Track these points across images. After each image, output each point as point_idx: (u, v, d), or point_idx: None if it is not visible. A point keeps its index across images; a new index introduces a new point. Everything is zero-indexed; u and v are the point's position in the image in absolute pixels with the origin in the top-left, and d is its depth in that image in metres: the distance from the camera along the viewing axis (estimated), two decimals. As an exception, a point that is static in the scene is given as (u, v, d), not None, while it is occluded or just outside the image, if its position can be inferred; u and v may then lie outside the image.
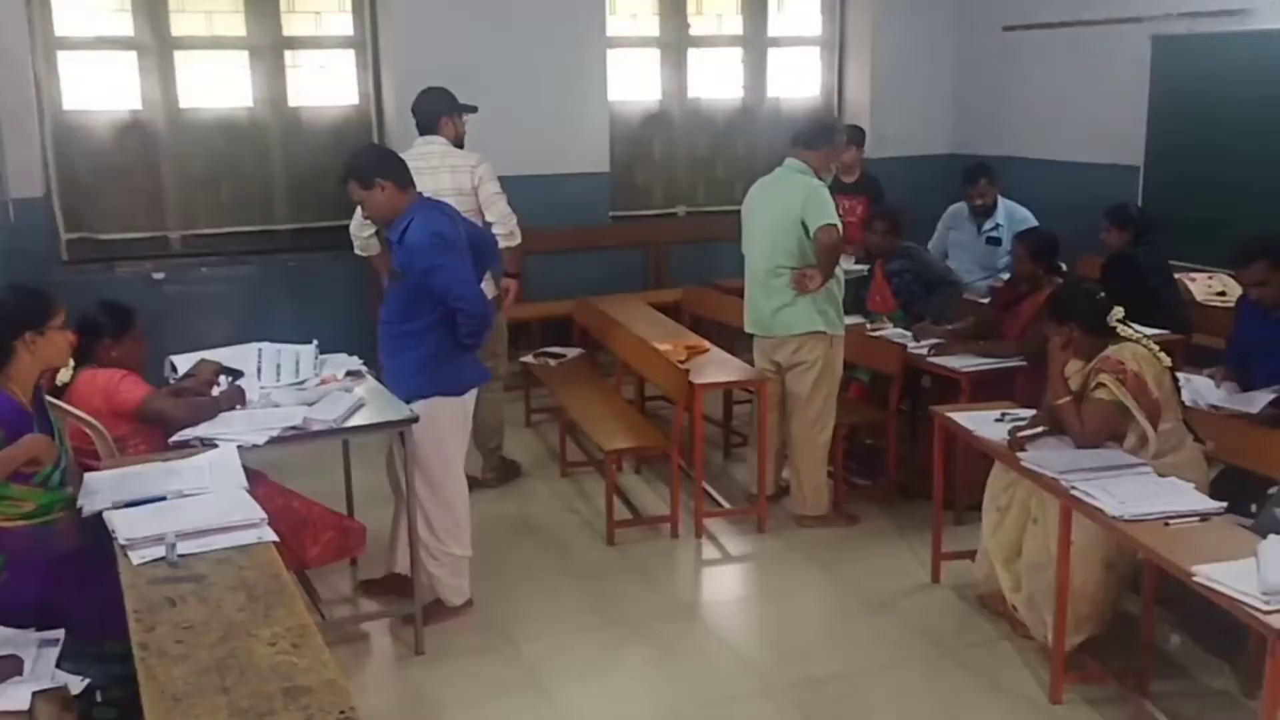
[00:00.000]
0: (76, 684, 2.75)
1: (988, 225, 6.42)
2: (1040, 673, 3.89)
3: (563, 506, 5.50)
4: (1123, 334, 3.92)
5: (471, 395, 4.27)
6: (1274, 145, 6.15)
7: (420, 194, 4.18)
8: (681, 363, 5.22)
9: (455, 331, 4.07)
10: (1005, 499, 4.17)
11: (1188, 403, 4.11)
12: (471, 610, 4.36)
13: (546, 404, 6.53)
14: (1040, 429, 4.01)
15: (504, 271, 5.50)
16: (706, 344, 5.67)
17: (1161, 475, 3.65)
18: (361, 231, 5.29)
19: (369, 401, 4.13)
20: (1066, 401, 3.91)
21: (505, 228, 5.32)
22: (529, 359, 6.39)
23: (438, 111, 5.38)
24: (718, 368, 5.38)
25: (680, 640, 4.24)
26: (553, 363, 6.25)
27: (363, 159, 4.17)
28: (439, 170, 5.28)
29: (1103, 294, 4.04)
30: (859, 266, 5.83)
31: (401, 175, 4.10)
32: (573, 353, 6.41)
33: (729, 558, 5.02)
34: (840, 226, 4.89)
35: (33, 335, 3.18)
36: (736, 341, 5.71)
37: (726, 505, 5.39)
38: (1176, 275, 6.00)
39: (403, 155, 5.22)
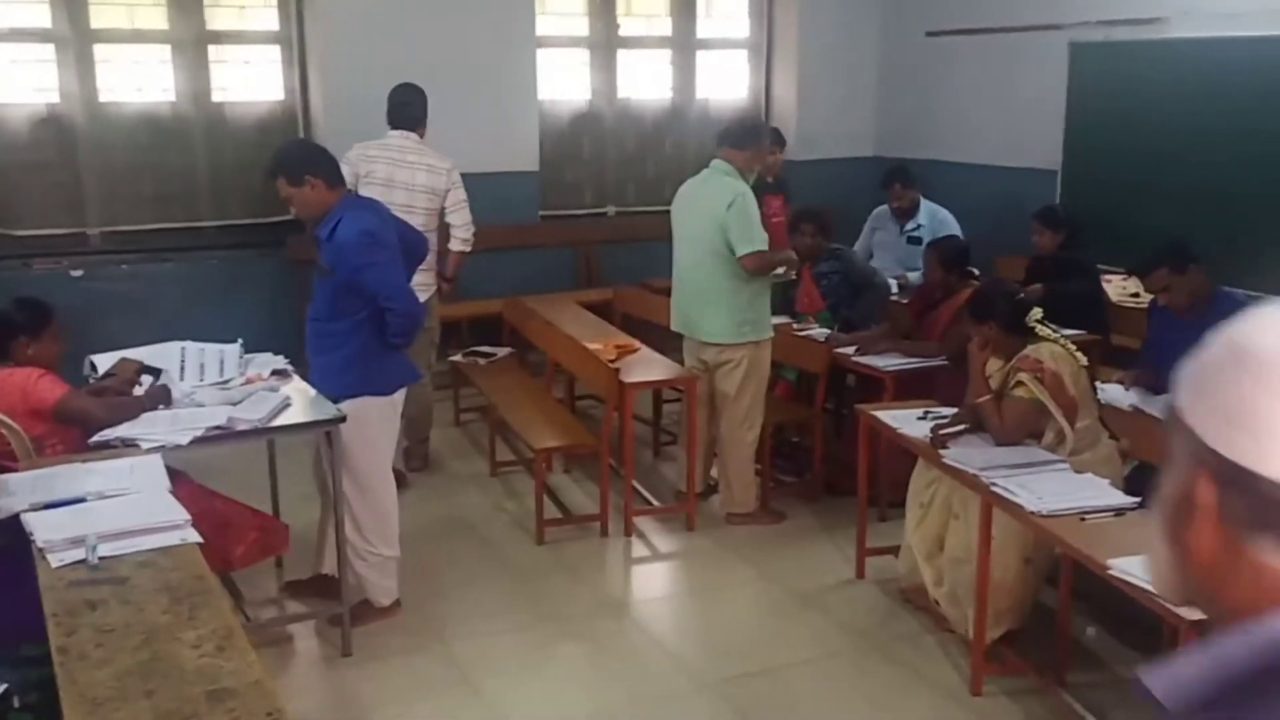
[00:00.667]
0: (-6, 690, 2.69)
1: (909, 226, 6.54)
2: (961, 665, 3.98)
3: (492, 506, 5.48)
4: (1041, 333, 4.02)
5: (400, 394, 4.24)
6: (1186, 150, 6.35)
7: (349, 190, 4.14)
8: (611, 362, 5.24)
9: (384, 330, 4.04)
10: (927, 495, 4.25)
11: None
12: (400, 610, 4.34)
13: (476, 403, 6.51)
14: (961, 427, 4.09)
15: (442, 275, 5.63)
16: (637, 343, 5.70)
17: (1078, 472, 3.75)
18: None
19: (295, 401, 4.09)
20: (986, 400, 4.00)
21: (466, 233, 5.54)
22: (458, 358, 6.36)
23: (420, 109, 5.50)
24: (648, 367, 5.41)
25: (611, 638, 4.26)
26: (482, 362, 6.23)
27: (291, 155, 4.11)
28: (415, 166, 5.40)
29: (1022, 294, 4.14)
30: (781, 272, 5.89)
31: (332, 172, 4.04)
32: (502, 352, 6.39)
33: (658, 555, 5.05)
34: (766, 240, 4.96)
35: None
36: (667, 341, 5.74)
37: (656, 503, 5.42)
38: (1092, 277, 6.15)
39: (374, 145, 5.41)
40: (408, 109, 5.50)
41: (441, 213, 5.53)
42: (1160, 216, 6.38)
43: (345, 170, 5.24)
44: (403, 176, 5.36)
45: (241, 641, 2.44)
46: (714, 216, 4.94)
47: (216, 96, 7.08)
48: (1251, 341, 0.95)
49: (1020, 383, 3.93)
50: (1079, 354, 4.02)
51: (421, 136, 5.54)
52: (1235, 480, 0.94)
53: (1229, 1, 6.13)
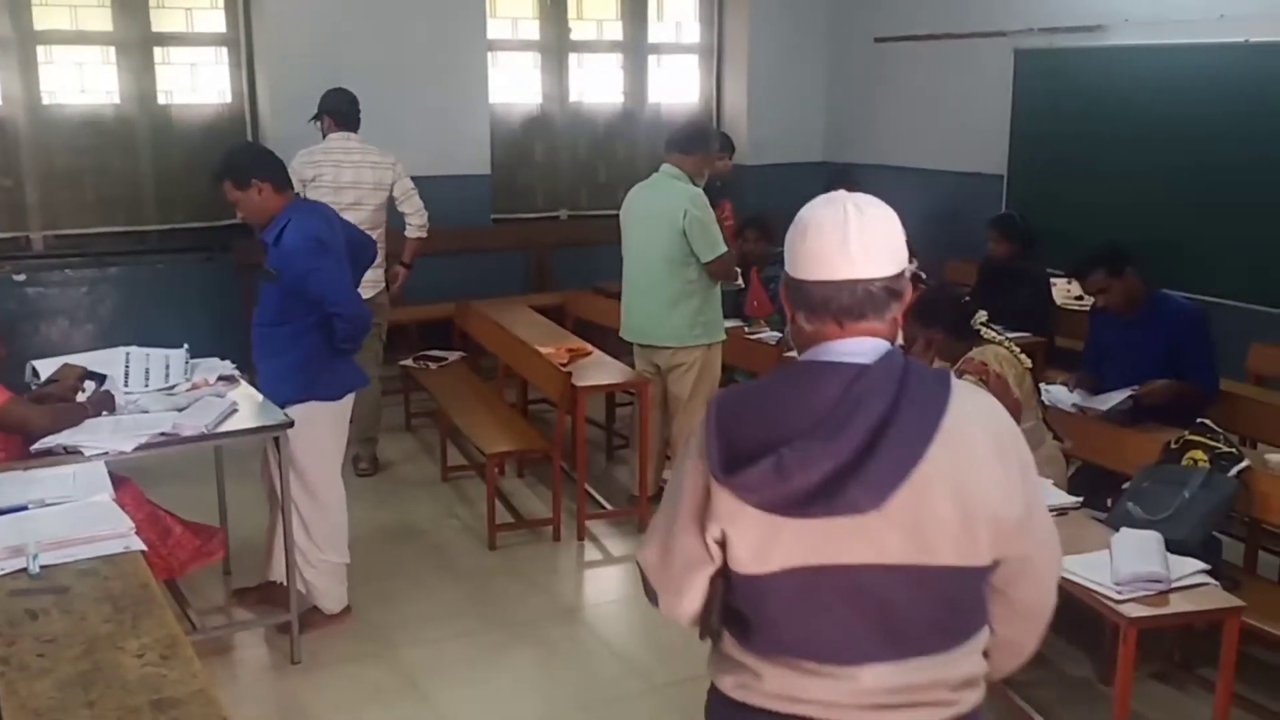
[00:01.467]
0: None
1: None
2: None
3: (444, 511, 5.46)
4: (986, 336, 4.07)
5: (349, 399, 4.22)
6: (1128, 154, 6.47)
7: (296, 195, 4.11)
8: (563, 365, 5.24)
9: (331, 335, 4.01)
10: None
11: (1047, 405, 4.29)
12: (350, 617, 4.31)
13: (427, 407, 6.48)
14: None
15: (400, 260, 5.86)
16: (589, 346, 5.70)
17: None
18: None
19: (242, 406, 4.05)
20: None
21: (420, 219, 5.77)
22: (408, 362, 6.33)
23: (358, 110, 5.71)
24: (600, 370, 5.41)
25: (561, 642, 4.26)
26: (433, 366, 6.21)
27: (238, 158, 4.06)
28: (360, 165, 5.59)
29: (967, 298, 4.19)
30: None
31: (279, 175, 4.01)
32: (453, 356, 6.37)
33: (611, 559, 5.05)
34: (723, 241, 5.00)
35: None
36: (620, 344, 5.74)
37: (608, 507, 5.42)
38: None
39: (317, 150, 5.58)
40: (353, 108, 5.67)
41: (391, 205, 5.72)
42: (1103, 219, 6.49)
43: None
44: (348, 176, 5.53)
45: (185, 650, 2.42)
46: (668, 222, 4.94)
47: (162, 99, 7.01)
48: (801, 211, 1.77)
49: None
50: (1023, 356, 4.08)
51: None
52: (788, 281, 1.77)
53: (1168, 9, 6.25)
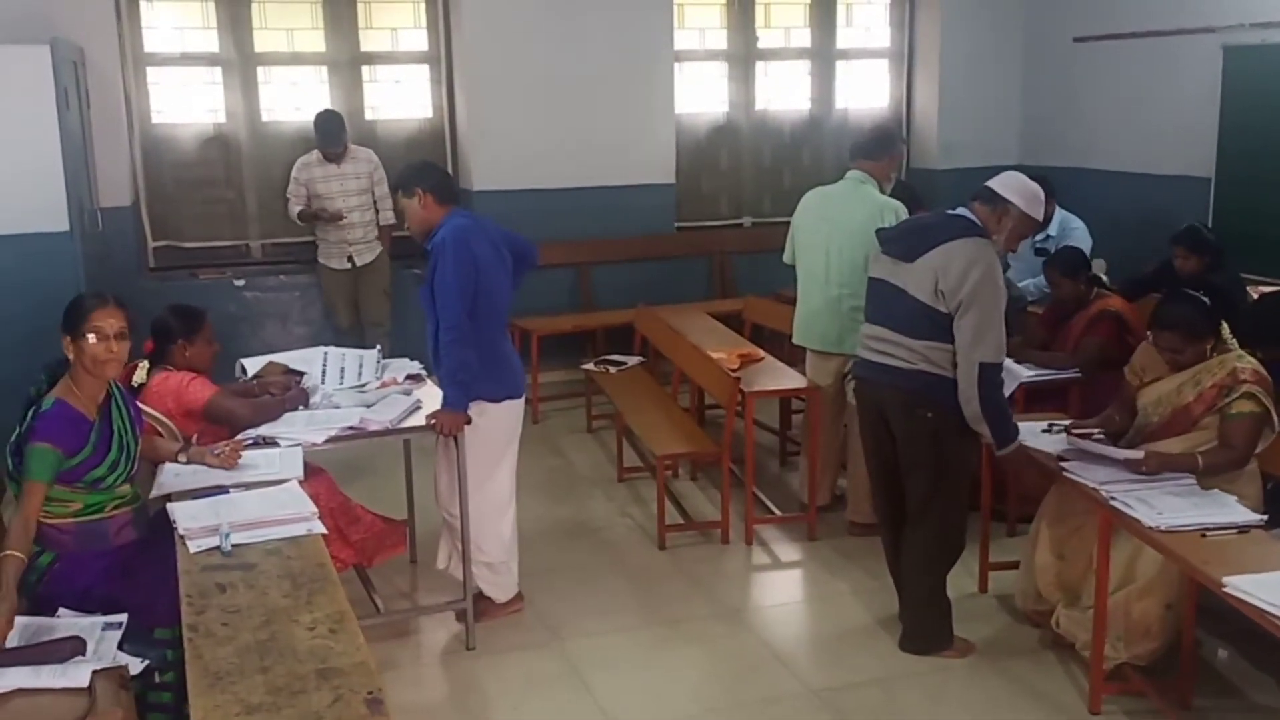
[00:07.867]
0: (136, 665, 2.92)
1: (1038, 237, 6.33)
2: (1081, 682, 3.89)
3: (617, 511, 5.60)
4: (1230, 343, 3.90)
5: (510, 405, 4.27)
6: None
7: (457, 209, 4.27)
8: (734, 371, 5.29)
9: (497, 338, 4.19)
10: (1084, 516, 4.08)
11: None
12: (522, 604, 4.49)
13: (607, 410, 6.65)
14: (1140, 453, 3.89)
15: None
16: (760, 352, 5.74)
17: (1205, 489, 3.63)
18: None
19: (426, 404, 4.28)
20: (1211, 449, 3.76)
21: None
22: (590, 366, 6.52)
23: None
24: (770, 376, 5.44)
25: (723, 641, 4.31)
26: (612, 370, 6.36)
27: (406, 171, 4.33)
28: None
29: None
30: None
31: (443, 188, 4.21)
32: (633, 360, 6.51)
33: (778, 564, 5.07)
34: None
35: (69, 340, 3.27)
36: (797, 350, 5.74)
37: (778, 512, 5.43)
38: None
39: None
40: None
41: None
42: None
43: None
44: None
45: (352, 625, 2.60)
46: (861, 230, 4.83)
47: (369, 114, 7.44)
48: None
49: (1249, 394, 3.73)
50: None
51: None
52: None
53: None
